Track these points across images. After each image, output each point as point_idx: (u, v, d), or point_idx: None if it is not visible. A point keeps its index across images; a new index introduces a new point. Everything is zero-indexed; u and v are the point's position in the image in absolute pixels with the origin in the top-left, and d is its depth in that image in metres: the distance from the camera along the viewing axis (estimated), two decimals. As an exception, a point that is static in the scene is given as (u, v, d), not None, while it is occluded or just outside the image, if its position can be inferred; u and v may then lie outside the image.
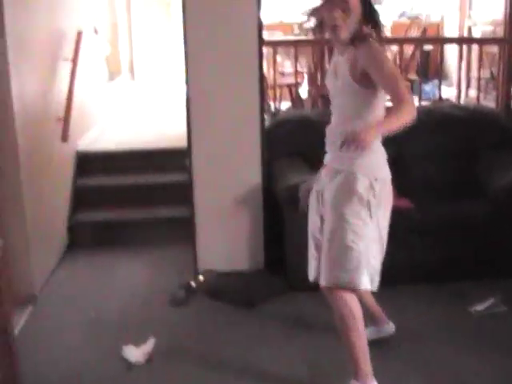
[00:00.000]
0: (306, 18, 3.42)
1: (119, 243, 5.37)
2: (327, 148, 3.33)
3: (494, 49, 6.69)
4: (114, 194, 5.66)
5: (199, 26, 4.40)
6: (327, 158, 3.34)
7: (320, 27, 3.25)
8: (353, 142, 2.75)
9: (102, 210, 5.58)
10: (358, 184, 3.10)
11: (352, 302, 3.15)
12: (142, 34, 10.78)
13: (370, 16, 3.14)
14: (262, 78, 4.55)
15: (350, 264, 3.10)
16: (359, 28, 3.10)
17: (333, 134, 3.24)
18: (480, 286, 4.37)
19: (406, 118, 2.83)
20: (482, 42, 6.77)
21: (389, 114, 2.95)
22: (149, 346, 3.72)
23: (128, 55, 10.81)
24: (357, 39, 3.09)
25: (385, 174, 3.20)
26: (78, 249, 5.33)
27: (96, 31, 7.45)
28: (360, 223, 3.10)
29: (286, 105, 7.25)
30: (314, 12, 3.26)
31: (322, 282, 3.18)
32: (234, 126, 4.54)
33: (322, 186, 3.31)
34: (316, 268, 3.35)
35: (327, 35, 3.22)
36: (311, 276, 3.41)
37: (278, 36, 8.87)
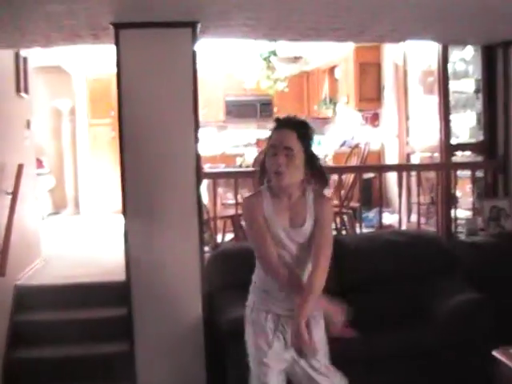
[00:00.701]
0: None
1: (58, 381, 5.14)
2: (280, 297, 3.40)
3: (433, 174, 6.84)
4: (54, 330, 5.45)
5: (137, 158, 4.45)
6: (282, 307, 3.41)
7: (262, 173, 3.41)
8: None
9: (41, 346, 5.37)
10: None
11: None
12: (87, 167, 10.85)
13: (312, 162, 3.34)
14: (200, 210, 4.56)
15: None
16: (303, 174, 3.32)
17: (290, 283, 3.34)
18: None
19: (323, 280, 3.27)
20: (419, 168, 6.94)
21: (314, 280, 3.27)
22: None
23: (73, 188, 10.83)
24: (315, 191, 3.38)
25: None
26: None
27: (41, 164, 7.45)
28: None
29: (230, 236, 7.24)
30: (257, 160, 3.40)
31: None
32: (174, 259, 4.52)
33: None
34: None
35: (270, 180, 3.35)
36: None
37: (221, 168, 8.98)
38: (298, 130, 3.30)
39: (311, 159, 3.34)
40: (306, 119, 3.57)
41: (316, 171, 3.38)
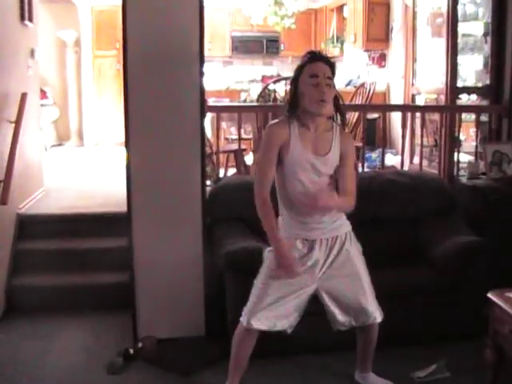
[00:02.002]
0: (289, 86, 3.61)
1: (59, 309, 5.21)
2: (297, 220, 3.59)
3: (437, 116, 6.82)
4: (55, 259, 5.55)
5: (141, 90, 4.42)
6: (297, 231, 3.60)
7: (292, 105, 3.52)
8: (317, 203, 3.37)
9: (42, 274, 5.46)
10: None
11: None
12: (92, 99, 10.81)
13: (337, 100, 3.53)
14: (203, 143, 4.56)
15: None
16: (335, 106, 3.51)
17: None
18: (424, 352, 4.36)
19: (347, 208, 3.59)
20: (423, 109, 6.91)
21: (342, 199, 3.51)
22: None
23: (77, 120, 10.82)
24: (340, 127, 3.58)
25: None
26: (16, 314, 5.17)
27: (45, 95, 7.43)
28: None
29: (232, 171, 7.26)
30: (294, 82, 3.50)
31: (378, 319, 3.74)
32: (175, 191, 4.52)
33: (315, 256, 3.59)
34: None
35: (306, 107, 3.46)
36: (290, 327, 3.66)
37: (225, 103, 8.94)
38: (331, 65, 3.47)
39: (337, 95, 3.52)
40: None
41: (338, 109, 3.56)
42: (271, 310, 3.56)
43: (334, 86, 3.46)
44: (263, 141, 3.61)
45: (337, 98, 3.51)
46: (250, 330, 3.59)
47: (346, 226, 3.71)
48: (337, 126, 3.56)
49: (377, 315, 3.74)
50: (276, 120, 3.64)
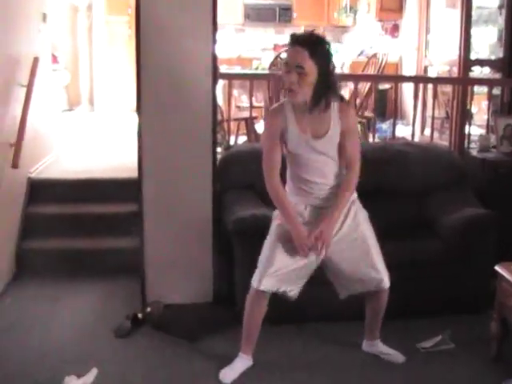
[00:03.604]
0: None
1: (68, 272, 5.27)
2: (304, 192, 3.66)
3: (449, 88, 6.79)
4: (65, 223, 5.59)
5: (153, 57, 4.42)
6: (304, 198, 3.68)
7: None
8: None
9: (52, 238, 5.51)
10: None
11: None
12: (103, 65, 10.78)
13: (326, 81, 3.43)
14: (215, 110, 4.56)
15: None
16: (320, 89, 3.42)
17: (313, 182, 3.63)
18: (429, 324, 4.39)
19: (354, 187, 3.65)
20: (436, 81, 6.88)
21: (341, 196, 3.60)
22: (90, 376, 3.65)
23: (88, 86, 10.80)
24: (340, 102, 3.54)
25: None
26: (26, 277, 5.23)
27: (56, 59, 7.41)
28: None
29: (243, 139, 7.26)
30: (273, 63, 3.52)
31: (387, 284, 3.76)
32: (186, 157, 4.53)
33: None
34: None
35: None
36: (294, 294, 3.71)
37: (237, 70, 8.92)
38: (311, 47, 3.36)
39: (325, 77, 3.43)
40: (323, 35, 3.67)
41: (331, 88, 3.49)
42: (280, 274, 3.59)
43: (322, 68, 3.39)
44: (264, 127, 3.76)
45: (327, 78, 3.44)
46: (261, 293, 3.62)
47: None
48: (335, 102, 3.54)
49: (385, 281, 3.76)
50: (275, 105, 3.73)
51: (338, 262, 3.70)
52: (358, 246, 3.71)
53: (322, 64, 3.40)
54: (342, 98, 3.63)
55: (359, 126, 7.06)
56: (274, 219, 3.73)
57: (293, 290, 3.68)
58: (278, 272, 3.59)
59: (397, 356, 3.99)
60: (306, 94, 3.43)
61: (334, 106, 3.53)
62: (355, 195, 3.76)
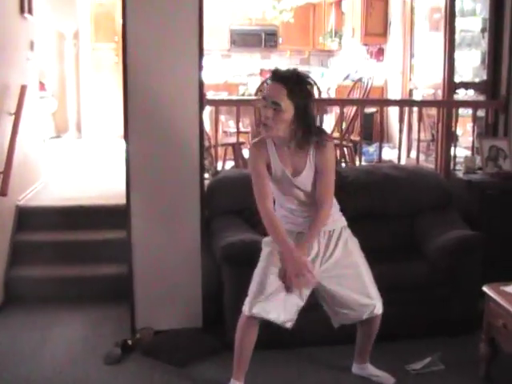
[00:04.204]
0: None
1: (56, 300, 5.25)
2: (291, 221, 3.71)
3: (434, 111, 6.84)
4: (53, 250, 5.58)
5: (140, 84, 4.44)
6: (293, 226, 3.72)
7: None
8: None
9: (40, 266, 5.49)
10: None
11: None
12: (90, 91, 10.81)
13: (304, 119, 3.47)
14: (202, 136, 4.59)
15: None
16: (297, 127, 3.47)
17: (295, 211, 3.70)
18: (419, 345, 4.40)
19: (324, 221, 3.62)
20: (421, 104, 6.94)
21: (313, 227, 3.60)
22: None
23: (75, 113, 10.81)
24: (318, 140, 3.53)
25: None
26: (14, 305, 5.21)
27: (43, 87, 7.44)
28: None
29: (230, 164, 7.28)
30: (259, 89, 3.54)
31: (380, 310, 3.77)
32: (173, 183, 4.55)
33: (314, 250, 3.68)
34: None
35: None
36: (290, 324, 3.67)
37: (223, 96, 8.96)
38: (290, 85, 3.40)
39: (303, 116, 3.46)
40: (305, 73, 3.62)
41: (307, 128, 3.50)
42: (271, 300, 3.58)
43: (299, 107, 3.42)
44: (249, 161, 3.77)
45: (305, 117, 3.47)
46: (252, 318, 3.60)
47: (340, 222, 3.80)
48: (313, 142, 3.55)
49: (377, 307, 3.77)
50: (256, 139, 3.74)
51: (330, 288, 3.71)
52: (350, 273, 3.72)
53: (299, 103, 3.43)
54: (321, 133, 3.63)
55: (345, 149, 7.11)
56: (265, 246, 3.73)
57: (287, 320, 3.65)
58: (269, 297, 3.57)
59: (387, 378, 3.99)
60: (280, 130, 3.45)
61: (311, 144, 3.55)
62: (345, 222, 3.80)
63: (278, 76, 3.45)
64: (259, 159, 3.60)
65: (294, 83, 3.42)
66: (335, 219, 3.75)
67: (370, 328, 3.90)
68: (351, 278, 3.72)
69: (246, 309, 3.61)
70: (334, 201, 3.74)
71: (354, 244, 3.79)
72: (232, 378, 3.77)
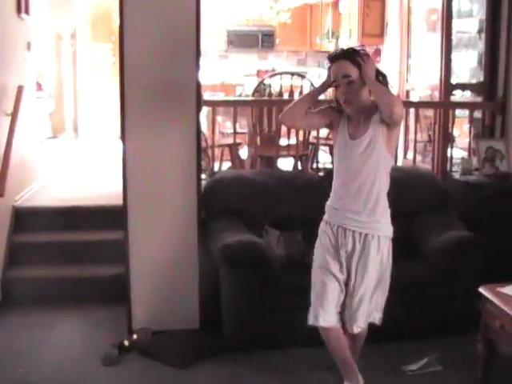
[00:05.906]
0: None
1: (54, 301, 5.24)
2: (340, 206, 3.66)
3: (431, 112, 6.85)
4: (50, 251, 5.58)
5: (137, 84, 4.45)
6: (339, 217, 3.66)
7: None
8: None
9: (37, 266, 5.49)
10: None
11: None
12: (87, 92, 10.80)
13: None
14: (199, 137, 4.59)
15: None
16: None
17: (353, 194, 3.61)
18: (416, 346, 4.42)
19: (390, 99, 3.43)
20: (417, 105, 6.94)
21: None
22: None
23: (73, 113, 10.81)
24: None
25: None
26: (11, 306, 5.20)
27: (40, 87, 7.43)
28: None
29: (227, 165, 7.28)
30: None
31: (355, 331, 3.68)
32: (170, 184, 4.56)
33: (345, 246, 3.64)
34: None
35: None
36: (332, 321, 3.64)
37: (220, 97, 8.97)
38: (350, 56, 3.54)
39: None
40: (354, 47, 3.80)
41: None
42: (330, 309, 3.63)
43: (363, 75, 3.48)
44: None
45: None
46: (328, 329, 3.64)
47: (383, 231, 3.70)
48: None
49: (354, 328, 3.71)
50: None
51: (354, 281, 3.67)
52: (359, 279, 3.65)
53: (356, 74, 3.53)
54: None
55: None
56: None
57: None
58: (326, 308, 3.62)
59: None
60: (360, 99, 3.55)
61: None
62: (387, 233, 3.73)
63: (335, 56, 3.59)
64: (329, 109, 3.75)
65: (350, 53, 3.56)
66: (379, 226, 3.70)
67: (353, 343, 3.86)
68: (373, 280, 3.68)
69: (312, 321, 3.65)
70: (387, 204, 3.72)
71: (376, 256, 3.67)
72: (345, 380, 3.78)
